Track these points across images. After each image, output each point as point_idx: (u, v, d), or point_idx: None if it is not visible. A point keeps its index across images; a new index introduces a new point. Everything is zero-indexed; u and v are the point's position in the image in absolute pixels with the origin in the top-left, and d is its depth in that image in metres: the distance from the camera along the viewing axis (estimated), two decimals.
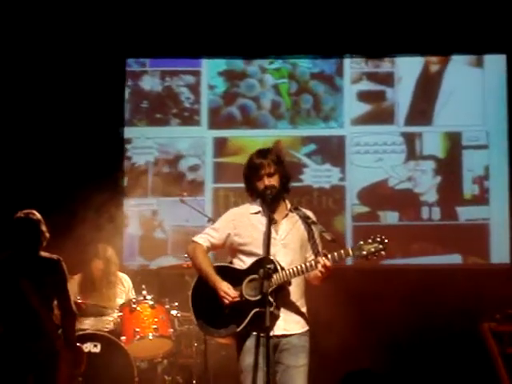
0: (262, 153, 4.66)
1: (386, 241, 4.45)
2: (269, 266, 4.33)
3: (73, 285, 6.55)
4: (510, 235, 9.32)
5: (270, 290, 4.37)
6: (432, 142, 9.74)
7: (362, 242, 4.47)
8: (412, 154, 9.67)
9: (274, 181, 4.59)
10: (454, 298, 8.13)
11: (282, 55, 9.49)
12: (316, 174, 9.65)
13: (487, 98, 9.65)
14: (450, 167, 9.67)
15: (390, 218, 9.61)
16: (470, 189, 9.66)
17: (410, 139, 9.70)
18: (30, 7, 8.33)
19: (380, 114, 9.78)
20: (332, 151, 9.70)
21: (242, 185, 4.91)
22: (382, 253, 4.42)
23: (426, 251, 9.41)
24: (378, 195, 9.60)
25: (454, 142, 9.69)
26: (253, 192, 4.67)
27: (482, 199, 9.59)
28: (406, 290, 8.16)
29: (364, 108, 9.84)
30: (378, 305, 8.13)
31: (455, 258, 9.48)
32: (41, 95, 8.40)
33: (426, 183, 9.70)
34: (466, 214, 9.57)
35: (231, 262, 4.74)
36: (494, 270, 8.89)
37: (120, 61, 9.02)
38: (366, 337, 7.93)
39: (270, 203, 4.51)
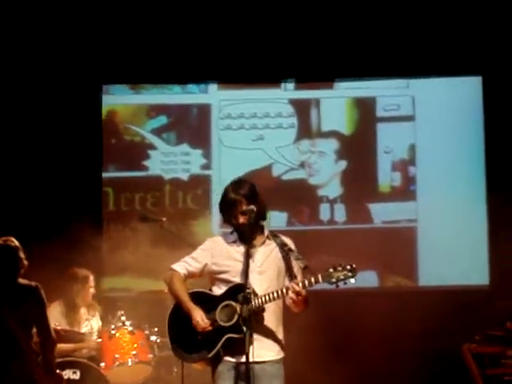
0: (235, 188, 5.11)
1: (355, 268, 4.88)
2: (243, 292, 4.86)
3: (52, 311, 6.98)
4: (489, 249, 8.40)
5: (243, 315, 4.88)
6: (334, 111, 8.80)
7: (331, 270, 4.88)
8: (306, 130, 8.81)
9: (248, 218, 5.05)
10: (433, 320, 7.91)
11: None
12: (168, 160, 8.74)
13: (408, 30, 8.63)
14: (359, 148, 8.77)
15: (275, 220, 8.48)
16: (388, 178, 8.69)
17: (302, 108, 8.83)
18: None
19: (259, 72, 8.73)
20: (191, 126, 8.84)
21: None
22: (352, 280, 4.88)
23: (325, 268, 7.85)
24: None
25: (365, 111, 8.79)
26: (230, 223, 5.18)
27: (405, 192, 8.69)
28: (376, 312, 7.96)
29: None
30: (348, 328, 8.15)
31: (368, 277, 8.50)
32: (16, 120, 8.47)
33: (325, 171, 8.77)
34: (383, 213, 8.66)
35: (211, 289, 5.22)
36: (473, 292, 8.30)
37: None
38: (332, 364, 7.63)
39: (246, 239, 5.07)
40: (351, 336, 8.16)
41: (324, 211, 8.67)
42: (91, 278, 7.51)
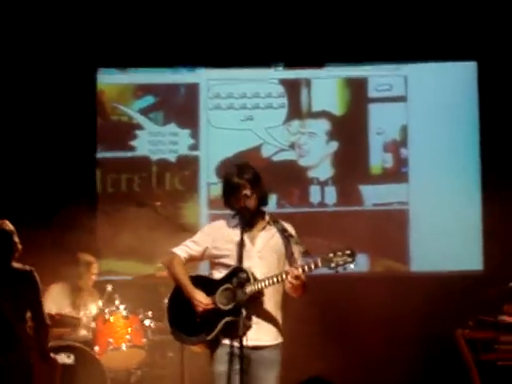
0: (240, 172, 5.25)
1: (356, 254, 5.02)
2: (243, 276, 5.00)
3: (52, 293, 7.32)
4: (483, 234, 8.38)
5: (240, 300, 5.03)
6: (325, 92, 8.71)
7: (331, 255, 4.97)
8: (296, 111, 8.73)
9: (251, 201, 5.20)
10: (426, 306, 7.94)
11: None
12: (155, 140, 8.64)
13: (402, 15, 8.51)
14: (350, 128, 8.68)
15: None
16: (379, 160, 8.61)
17: (292, 88, 8.71)
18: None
19: (248, 57, 8.66)
20: (179, 106, 8.73)
21: None
22: (351, 266, 4.99)
23: (316, 251, 7.78)
24: None
25: (357, 91, 8.69)
26: (231, 208, 5.30)
27: (397, 174, 8.60)
28: (370, 297, 7.93)
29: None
30: (342, 313, 8.17)
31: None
32: (15, 106, 8.44)
33: (316, 152, 8.69)
34: (375, 195, 8.58)
35: (211, 273, 5.33)
36: (466, 277, 8.29)
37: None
38: (329, 348, 7.81)
39: (247, 223, 5.20)
40: (345, 320, 8.18)
41: (314, 193, 8.60)
42: (95, 264, 7.65)
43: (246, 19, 8.41)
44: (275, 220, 5.34)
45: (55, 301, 7.31)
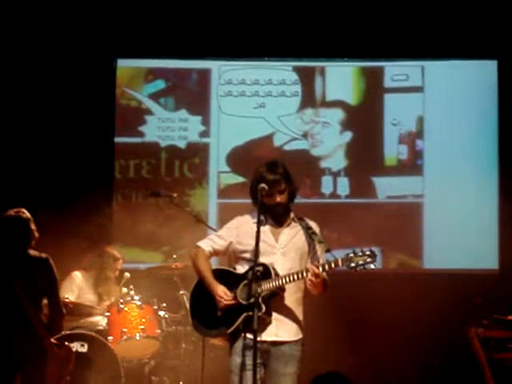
0: (273, 168, 5.34)
1: (376, 255, 5.15)
2: (257, 269, 5.09)
3: (70, 281, 7.51)
4: (500, 231, 8.32)
5: (263, 294, 5.14)
6: (340, 80, 8.67)
7: (352, 255, 5.13)
8: (310, 99, 8.69)
9: (284, 197, 5.31)
10: (441, 304, 7.97)
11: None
12: (165, 126, 8.60)
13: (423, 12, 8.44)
14: (365, 119, 8.64)
15: None
16: (394, 151, 8.55)
17: (306, 76, 8.67)
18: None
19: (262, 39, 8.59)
20: (190, 92, 8.71)
21: None
22: (371, 266, 5.14)
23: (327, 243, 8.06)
24: (257, 159, 8.15)
25: (373, 80, 8.64)
26: (262, 205, 5.31)
27: (412, 167, 8.56)
28: (385, 295, 7.96)
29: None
30: (356, 310, 8.22)
31: None
32: (31, 92, 8.55)
33: (329, 142, 8.64)
34: (389, 187, 8.54)
35: (234, 268, 5.47)
36: (482, 276, 8.27)
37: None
38: (349, 343, 7.94)
39: (277, 219, 5.34)
40: (359, 317, 8.17)
41: (326, 184, 8.52)
42: (120, 260, 7.76)
43: (262, 11, 8.35)
44: (300, 217, 5.41)
45: (78, 287, 7.47)
